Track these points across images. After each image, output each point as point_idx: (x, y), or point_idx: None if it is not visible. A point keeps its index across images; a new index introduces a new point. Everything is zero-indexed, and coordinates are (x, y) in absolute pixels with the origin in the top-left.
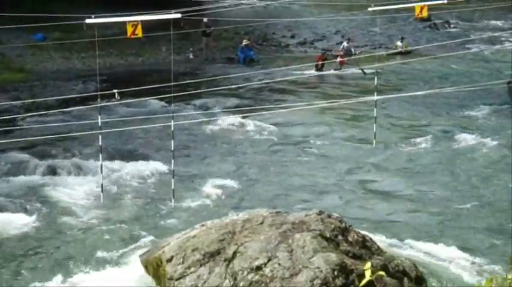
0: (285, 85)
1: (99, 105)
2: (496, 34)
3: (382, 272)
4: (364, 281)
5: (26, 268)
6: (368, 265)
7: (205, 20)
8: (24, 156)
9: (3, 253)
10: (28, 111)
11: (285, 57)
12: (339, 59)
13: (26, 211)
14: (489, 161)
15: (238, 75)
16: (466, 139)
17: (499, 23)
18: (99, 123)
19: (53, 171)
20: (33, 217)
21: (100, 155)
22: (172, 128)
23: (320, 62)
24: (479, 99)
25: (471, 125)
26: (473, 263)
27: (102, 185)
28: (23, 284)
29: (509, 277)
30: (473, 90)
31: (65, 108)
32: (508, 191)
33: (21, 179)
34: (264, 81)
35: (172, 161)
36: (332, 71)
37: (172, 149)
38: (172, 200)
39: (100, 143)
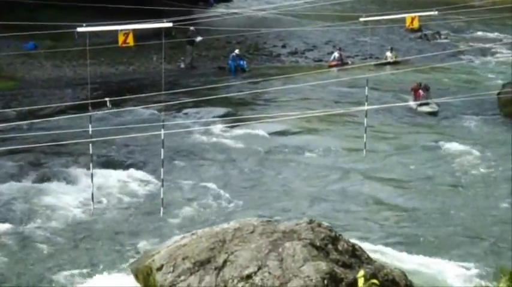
0: (276, 95)
1: (89, 114)
2: (487, 45)
3: (375, 280)
4: None
5: (14, 276)
6: (361, 273)
7: (192, 28)
8: (14, 164)
9: None
10: (19, 120)
11: (276, 67)
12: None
13: (14, 219)
14: (479, 171)
15: (228, 84)
16: (456, 149)
17: (489, 34)
18: (90, 132)
19: (42, 179)
20: (22, 225)
21: (91, 164)
22: (162, 137)
23: (414, 93)
24: (469, 109)
25: (461, 135)
26: (462, 272)
27: (92, 194)
28: None
29: (500, 285)
30: (463, 100)
31: (56, 116)
32: (498, 200)
33: (11, 187)
34: (255, 91)
35: (162, 169)
36: (410, 103)
37: (162, 157)
38: (161, 209)
39: (91, 152)
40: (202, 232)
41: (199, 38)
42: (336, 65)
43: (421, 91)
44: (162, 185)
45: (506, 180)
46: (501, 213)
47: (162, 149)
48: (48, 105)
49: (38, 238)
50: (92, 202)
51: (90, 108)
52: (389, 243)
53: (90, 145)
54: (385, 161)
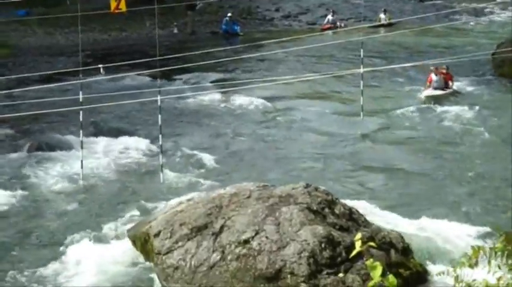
0: (270, 59)
1: (80, 81)
2: (481, 5)
3: (372, 243)
4: (354, 252)
5: (9, 246)
6: (359, 235)
7: None
8: (5, 132)
9: None
10: (11, 87)
11: (270, 31)
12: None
13: (6, 188)
14: (476, 131)
15: (224, 49)
16: (452, 110)
17: None
18: (81, 99)
19: (35, 147)
20: (15, 194)
21: (81, 131)
22: (159, 103)
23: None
24: (464, 70)
25: (457, 96)
26: (461, 234)
27: (82, 161)
28: (7, 265)
29: (497, 246)
30: (458, 61)
31: (48, 83)
32: (496, 160)
33: (2, 155)
34: (249, 56)
35: (160, 135)
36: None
37: (159, 123)
38: (161, 175)
39: (81, 119)
40: (199, 198)
41: (199, 3)
42: (329, 28)
43: (432, 75)
44: (161, 151)
45: (503, 140)
46: (499, 173)
47: (159, 115)
48: (41, 73)
49: (29, 206)
50: (81, 169)
51: (81, 75)
52: (387, 206)
53: (81, 112)
54: (382, 124)
